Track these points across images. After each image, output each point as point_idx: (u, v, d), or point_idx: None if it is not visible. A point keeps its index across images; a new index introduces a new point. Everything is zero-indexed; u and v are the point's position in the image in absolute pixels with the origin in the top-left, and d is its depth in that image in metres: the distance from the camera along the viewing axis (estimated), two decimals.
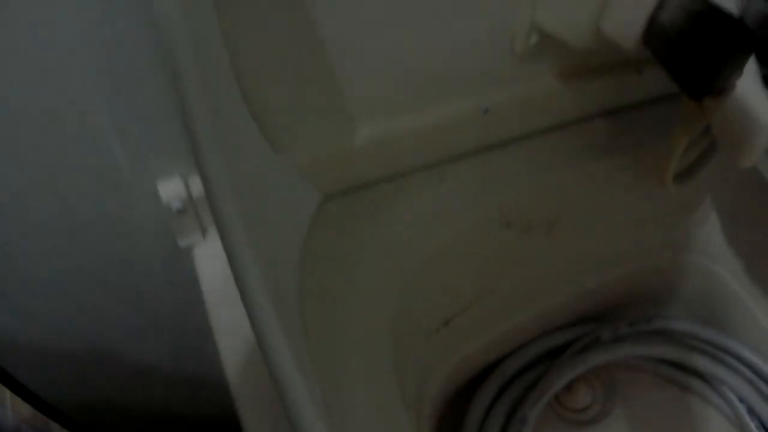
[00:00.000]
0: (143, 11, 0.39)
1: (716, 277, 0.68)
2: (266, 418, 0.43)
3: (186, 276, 0.53)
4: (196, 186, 0.50)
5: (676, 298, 0.74)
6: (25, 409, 0.55)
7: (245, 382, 0.44)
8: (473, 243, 0.52)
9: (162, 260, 0.55)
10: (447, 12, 0.44)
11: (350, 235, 0.48)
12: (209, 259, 0.53)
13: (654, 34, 0.43)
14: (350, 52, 0.43)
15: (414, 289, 0.49)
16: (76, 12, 0.38)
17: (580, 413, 0.69)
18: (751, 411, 0.65)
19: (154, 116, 0.47)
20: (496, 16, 0.46)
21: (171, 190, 0.50)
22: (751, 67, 0.46)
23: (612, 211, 0.61)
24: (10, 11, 0.36)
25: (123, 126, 0.45)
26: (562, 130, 0.56)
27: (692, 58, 0.42)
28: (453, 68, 0.48)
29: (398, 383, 0.44)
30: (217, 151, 0.29)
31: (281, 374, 0.26)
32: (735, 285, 0.69)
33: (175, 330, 0.62)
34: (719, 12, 0.42)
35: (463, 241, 0.51)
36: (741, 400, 0.66)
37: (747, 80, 0.46)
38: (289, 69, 0.41)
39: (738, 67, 0.45)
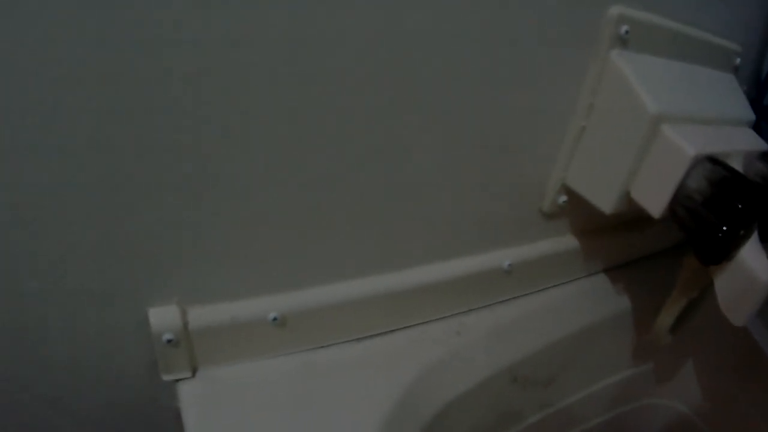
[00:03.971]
0: None
1: (687, 421, 0.70)
2: None
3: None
4: (195, 316, 0.45)
5: None
6: None
7: None
8: (481, 397, 0.49)
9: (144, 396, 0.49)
10: (486, 163, 0.44)
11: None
12: (197, 399, 0.47)
13: (680, 202, 0.45)
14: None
15: None
16: None
17: None
18: None
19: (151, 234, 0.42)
20: (528, 176, 0.47)
21: (163, 318, 0.45)
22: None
23: (604, 362, 0.62)
24: None
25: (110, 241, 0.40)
26: (571, 283, 0.56)
27: (715, 226, 0.44)
28: (481, 225, 0.48)
29: None
30: None
31: None
32: (705, 428, 0.70)
33: None
34: (741, 177, 0.45)
35: (472, 394, 0.48)
36: None
37: (751, 242, 0.48)
38: None
39: (752, 233, 0.47)
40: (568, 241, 0.55)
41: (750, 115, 0.57)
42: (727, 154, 0.48)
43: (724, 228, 0.43)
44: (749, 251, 0.48)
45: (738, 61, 0.57)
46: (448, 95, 0.40)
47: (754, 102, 0.59)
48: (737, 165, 0.50)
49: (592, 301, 0.57)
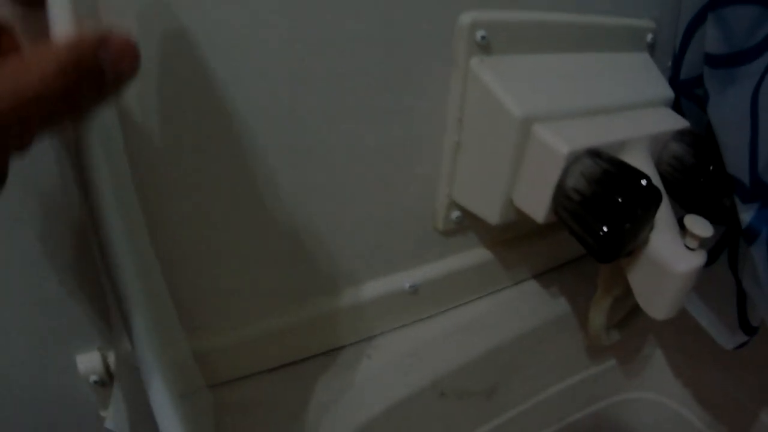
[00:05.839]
0: None
1: (666, 409, 0.67)
2: None
3: None
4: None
5: None
6: None
7: None
8: (405, 414, 0.50)
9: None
10: (367, 194, 0.45)
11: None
12: None
13: (561, 204, 0.43)
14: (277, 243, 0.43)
15: None
16: None
17: None
18: None
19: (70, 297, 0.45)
20: (413, 197, 0.47)
21: (88, 363, 0.49)
22: (663, 215, 0.46)
23: (552, 367, 0.60)
24: None
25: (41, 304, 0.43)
26: (492, 295, 0.55)
27: (598, 225, 0.42)
28: (379, 249, 0.48)
29: None
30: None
31: None
32: (686, 413, 0.67)
33: None
34: (623, 169, 0.42)
35: (394, 413, 0.49)
36: None
37: (660, 230, 0.46)
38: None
39: (647, 224, 0.45)
40: (481, 254, 0.54)
41: (668, 93, 0.53)
42: (621, 143, 0.46)
43: (604, 228, 0.41)
44: (660, 239, 0.46)
45: (650, 37, 0.54)
46: (313, 135, 0.40)
47: (673, 78, 0.55)
48: (640, 152, 0.48)
49: (521, 309, 0.55)
